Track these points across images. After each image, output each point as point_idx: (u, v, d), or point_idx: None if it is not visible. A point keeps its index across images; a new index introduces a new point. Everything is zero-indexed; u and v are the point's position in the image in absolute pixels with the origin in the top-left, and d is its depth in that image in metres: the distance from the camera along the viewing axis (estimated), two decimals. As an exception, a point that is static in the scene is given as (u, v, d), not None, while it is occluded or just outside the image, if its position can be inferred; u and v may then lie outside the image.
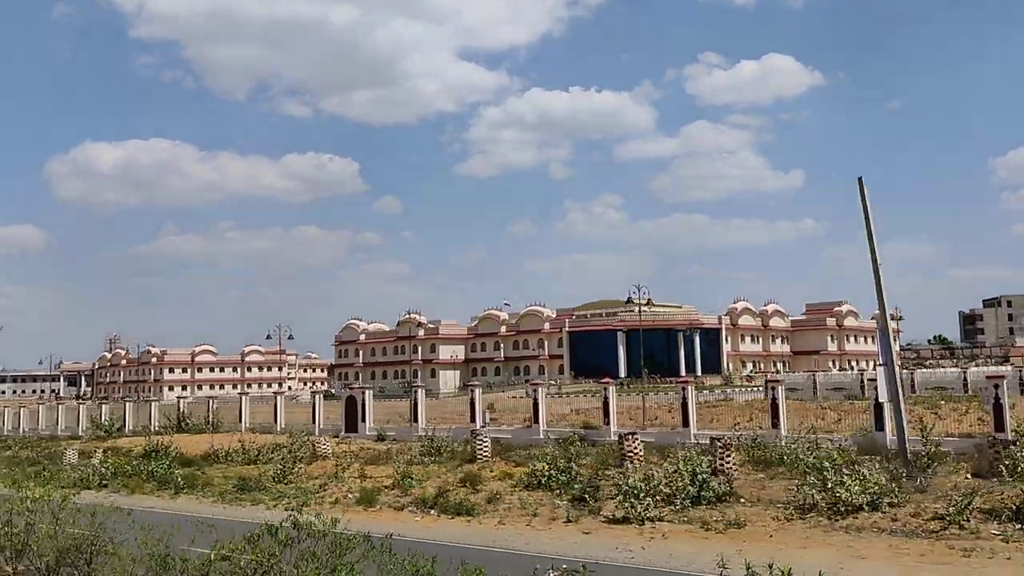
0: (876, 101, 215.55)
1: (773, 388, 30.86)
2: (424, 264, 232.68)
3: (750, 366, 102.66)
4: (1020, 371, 51.10)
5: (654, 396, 44.60)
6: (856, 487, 15.74)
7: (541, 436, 34.45)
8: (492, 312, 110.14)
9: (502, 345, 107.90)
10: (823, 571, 9.49)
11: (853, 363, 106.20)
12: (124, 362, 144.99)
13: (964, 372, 56.94)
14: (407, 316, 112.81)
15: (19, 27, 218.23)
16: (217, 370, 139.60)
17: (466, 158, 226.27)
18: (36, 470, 30.92)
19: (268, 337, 73.54)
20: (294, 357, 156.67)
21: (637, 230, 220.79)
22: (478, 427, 37.66)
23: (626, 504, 16.37)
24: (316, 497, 22.12)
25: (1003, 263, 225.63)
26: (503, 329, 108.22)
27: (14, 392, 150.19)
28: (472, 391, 39.18)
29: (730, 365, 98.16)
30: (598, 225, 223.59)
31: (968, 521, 14.64)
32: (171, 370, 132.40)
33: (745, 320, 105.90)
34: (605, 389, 34.98)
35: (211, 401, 50.58)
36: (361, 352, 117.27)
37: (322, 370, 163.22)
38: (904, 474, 17.22)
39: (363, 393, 42.86)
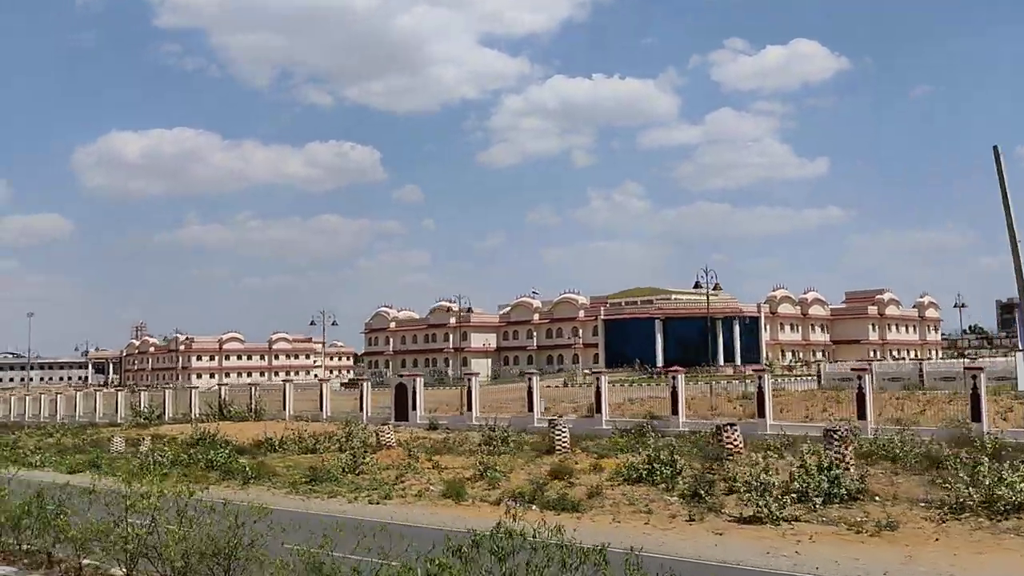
0: (904, 86, 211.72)
1: (860, 377, 29.37)
2: (445, 253, 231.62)
3: (789, 355, 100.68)
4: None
5: (694, 385, 43.10)
6: (1021, 484, 14.22)
7: (604, 426, 33.13)
8: (525, 300, 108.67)
9: (535, 333, 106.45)
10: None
11: (895, 352, 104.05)
12: (152, 349, 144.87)
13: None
14: (439, 304, 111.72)
15: (44, 17, 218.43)
16: (244, 358, 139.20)
17: (488, 146, 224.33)
18: (90, 459, 29.88)
19: (312, 323, 72.72)
20: (320, 345, 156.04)
21: (660, 218, 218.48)
22: (537, 416, 36.46)
23: (758, 502, 14.90)
24: (396, 489, 20.80)
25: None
26: (536, 317, 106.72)
27: (41, 379, 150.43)
28: (530, 380, 37.89)
29: (769, 354, 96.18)
30: (620, 213, 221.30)
31: None
32: (199, 357, 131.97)
33: (784, 308, 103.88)
34: (673, 378, 33.58)
35: (253, 388, 49.61)
36: (391, 340, 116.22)
37: (347, 358, 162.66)
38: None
39: (414, 381, 41.66)
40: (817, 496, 15.49)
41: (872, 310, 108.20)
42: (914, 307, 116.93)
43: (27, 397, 62.72)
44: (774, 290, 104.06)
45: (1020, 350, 19.58)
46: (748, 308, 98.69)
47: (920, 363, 56.77)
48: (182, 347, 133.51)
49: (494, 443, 28.80)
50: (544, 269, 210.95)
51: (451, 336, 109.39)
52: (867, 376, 29.30)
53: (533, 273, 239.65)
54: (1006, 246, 23.73)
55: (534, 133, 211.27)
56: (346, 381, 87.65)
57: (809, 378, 57.83)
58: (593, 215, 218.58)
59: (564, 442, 25.13)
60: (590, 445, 27.65)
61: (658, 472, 18.56)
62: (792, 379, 59.58)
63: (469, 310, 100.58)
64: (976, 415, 25.84)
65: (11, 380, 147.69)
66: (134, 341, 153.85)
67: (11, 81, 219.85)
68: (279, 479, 24.09)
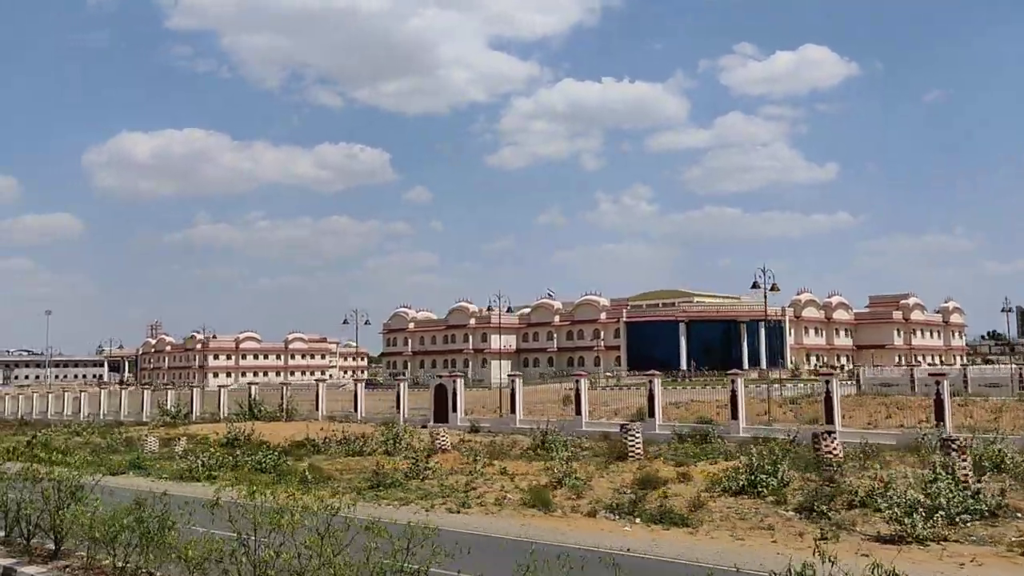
0: (912, 91, 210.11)
1: (938, 383, 28.01)
2: (453, 254, 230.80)
3: (813, 360, 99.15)
4: None
5: (711, 390, 41.71)
6: None
7: (659, 431, 31.83)
8: (545, 301, 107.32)
9: (555, 335, 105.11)
10: None
11: (920, 358, 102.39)
12: (169, 348, 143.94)
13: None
14: (458, 304, 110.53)
15: (56, 18, 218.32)
16: (261, 357, 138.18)
17: (497, 149, 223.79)
18: (131, 460, 28.71)
19: (345, 322, 72.10)
20: (335, 345, 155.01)
21: (668, 221, 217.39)
22: (585, 420, 35.17)
23: (902, 519, 13.57)
24: (470, 497, 19.52)
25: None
26: (556, 319, 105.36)
27: (56, 377, 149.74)
28: (577, 383, 36.62)
29: (793, 358, 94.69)
30: (629, 216, 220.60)
31: None
32: (216, 356, 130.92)
33: (809, 312, 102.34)
34: (733, 381, 32.24)
35: (284, 387, 48.47)
36: (410, 340, 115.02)
37: (362, 358, 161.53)
38: None
39: (454, 382, 40.43)
40: (961, 512, 14.17)
41: (897, 315, 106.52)
42: (938, 312, 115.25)
43: (50, 395, 61.67)
44: (798, 293, 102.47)
45: None
46: (773, 311, 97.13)
47: (964, 369, 55.27)
48: (199, 346, 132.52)
49: (550, 448, 27.61)
50: (553, 271, 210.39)
51: (471, 337, 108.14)
52: (945, 382, 27.93)
53: (542, 275, 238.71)
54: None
55: (543, 136, 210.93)
56: (364, 381, 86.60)
57: (848, 383, 56.34)
58: (602, 218, 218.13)
59: (637, 448, 23.85)
60: (658, 450, 26.40)
61: (763, 483, 17.24)
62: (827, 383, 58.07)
63: (490, 309, 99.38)
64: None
65: (26, 378, 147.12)
66: (150, 340, 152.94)
67: (23, 81, 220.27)
68: (339, 484, 22.85)
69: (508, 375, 41.57)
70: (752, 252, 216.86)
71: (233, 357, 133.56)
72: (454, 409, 39.41)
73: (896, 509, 13.72)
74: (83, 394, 59.60)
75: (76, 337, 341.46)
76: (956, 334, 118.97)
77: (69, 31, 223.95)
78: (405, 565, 7.40)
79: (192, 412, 49.04)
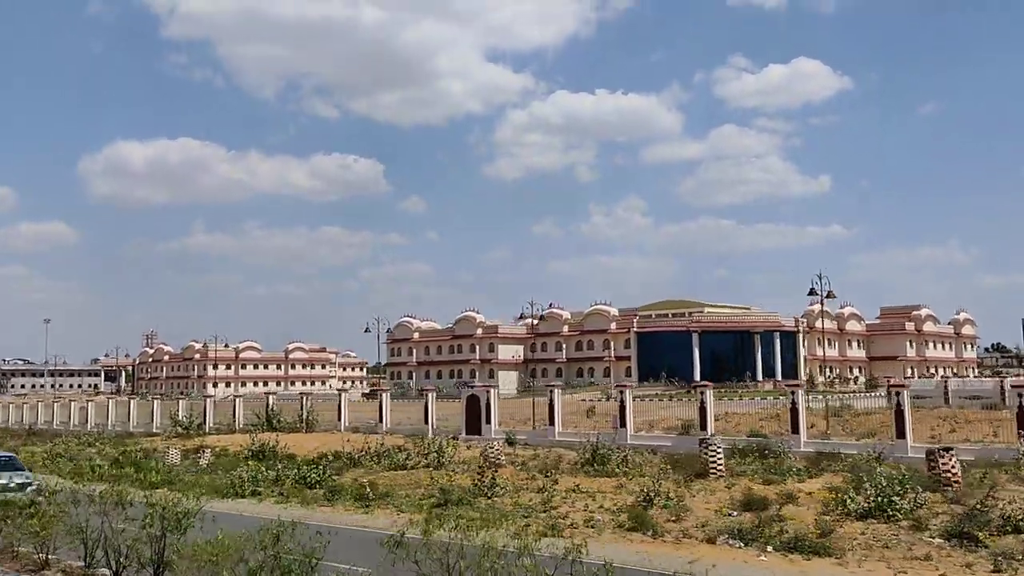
0: (907, 105, 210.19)
1: (1020, 395, 26.43)
2: (448, 264, 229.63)
3: (827, 371, 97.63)
4: None
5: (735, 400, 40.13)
6: None
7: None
8: (554, 311, 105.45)
9: (564, 345, 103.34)
10: None
11: (933, 369, 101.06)
12: (167, 357, 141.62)
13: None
14: (464, 314, 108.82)
15: (52, 26, 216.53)
16: (261, 367, 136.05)
17: (492, 160, 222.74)
18: (167, 477, 26.83)
19: (366, 330, 70.52)
20: (334, 355, 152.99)
21: (662, 233, 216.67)
22: (631, 433, 33.48)
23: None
24: (555, 518, 17.79)
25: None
26: (565, 329, 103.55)
27: (52, 386, 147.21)
28: (622, 393, 34.92)
29: (808, 370, 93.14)
30: (623, 228, 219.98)
31: None
32: (215, 366, 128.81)
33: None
34: (793, 393, 30.60)
35: (304, 398, 46.59)
36: (415, 350, 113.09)
37: (360, 369, 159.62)
38: None
39: (487, 392, 38.66)
40: None
41: (909, 326, 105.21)
42: (950, 324, 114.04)
43: (56, 404, 59.63)
44: (811, 304, 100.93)
45: None
46: (786, 322, 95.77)
47: (1001, 380, 53.69)
48: (197, 355, 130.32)
49: (603, 462, 25.98)
50: (547, 282, 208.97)
51: (477, 347, 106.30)
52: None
53: (536, 286, 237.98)
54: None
55: (538, 147, 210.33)
56: (367, 391, 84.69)
57: (877, 396, 54.67)
58: (596, 230, 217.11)
59: (719, 464, 22.13)
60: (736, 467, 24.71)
61: (895, 506, 15.58)
62: (856, 396, 56.48)
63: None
64: None
65: (22, 387, 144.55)
66: (147, 349, 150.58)
67: (19, 89, 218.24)
68: (399, 501, 21.13)
69: (547, 386, 39.90)
70: (747, 264, 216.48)
71: (233, 367, 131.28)
72: (487, 420, 37.62)
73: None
74: (90, 404, 57.65)
75: (70, 345, 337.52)
76: (968, 346, 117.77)
77: (65, 40, 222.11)
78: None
79: (205, 423, 47.19)
